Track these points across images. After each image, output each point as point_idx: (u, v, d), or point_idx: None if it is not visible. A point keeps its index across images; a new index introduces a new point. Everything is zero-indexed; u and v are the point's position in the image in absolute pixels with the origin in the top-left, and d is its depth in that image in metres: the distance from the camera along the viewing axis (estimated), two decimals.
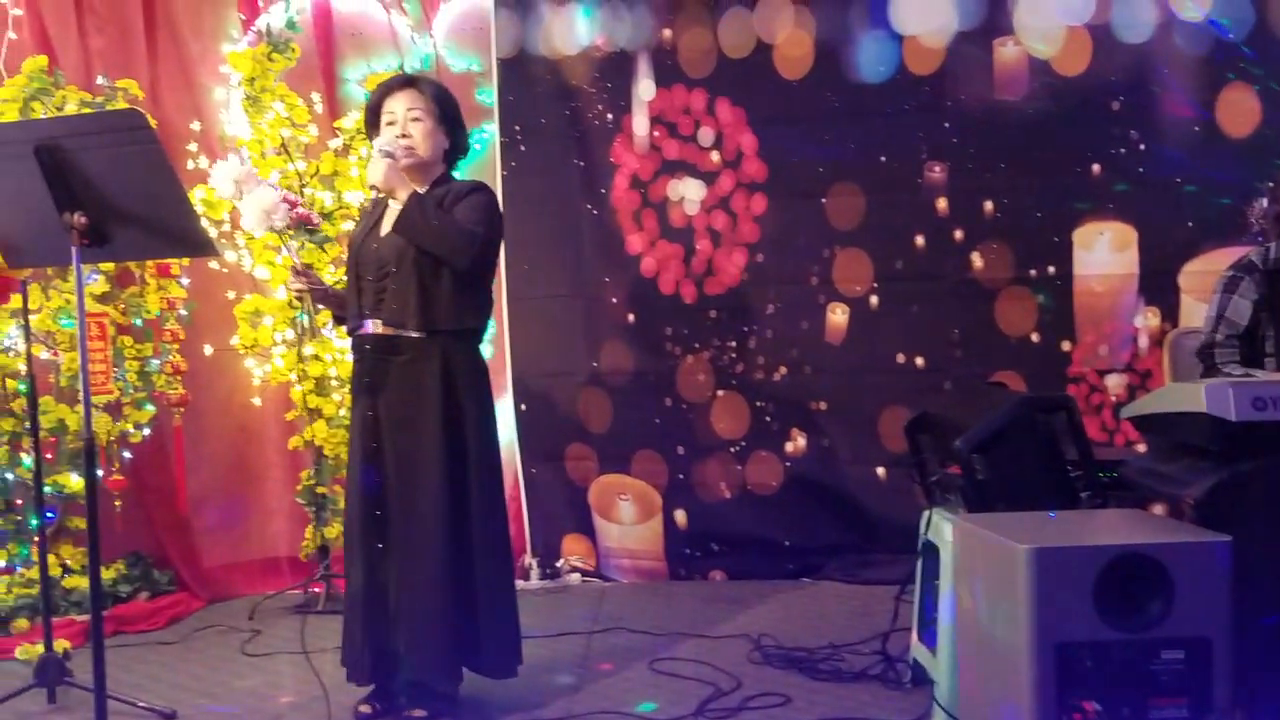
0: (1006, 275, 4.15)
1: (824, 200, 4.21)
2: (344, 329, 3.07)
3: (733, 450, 4.34)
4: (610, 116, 4.33)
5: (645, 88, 4.30)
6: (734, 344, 4.32)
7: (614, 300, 4.39)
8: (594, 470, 4.44)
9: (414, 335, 2.86)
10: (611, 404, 4.39)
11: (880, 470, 4.22)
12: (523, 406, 4.46)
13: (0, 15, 4.35)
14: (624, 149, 4.34)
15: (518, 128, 4.39)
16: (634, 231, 4.36)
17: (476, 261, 2.85)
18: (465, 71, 4.51)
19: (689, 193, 4.32)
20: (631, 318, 4.38)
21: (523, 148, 4.39)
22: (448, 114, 3.00)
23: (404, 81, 3.02)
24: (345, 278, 3.06)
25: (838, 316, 4.24)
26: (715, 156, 4.29)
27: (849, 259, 4.23)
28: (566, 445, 4.44)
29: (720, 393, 4.33)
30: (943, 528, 2.77)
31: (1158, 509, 2.88)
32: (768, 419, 4.31)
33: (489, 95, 4.44)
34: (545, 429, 4.45)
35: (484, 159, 4.43)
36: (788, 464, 4.31)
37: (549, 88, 4.35)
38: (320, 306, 3.19)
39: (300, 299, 3.07)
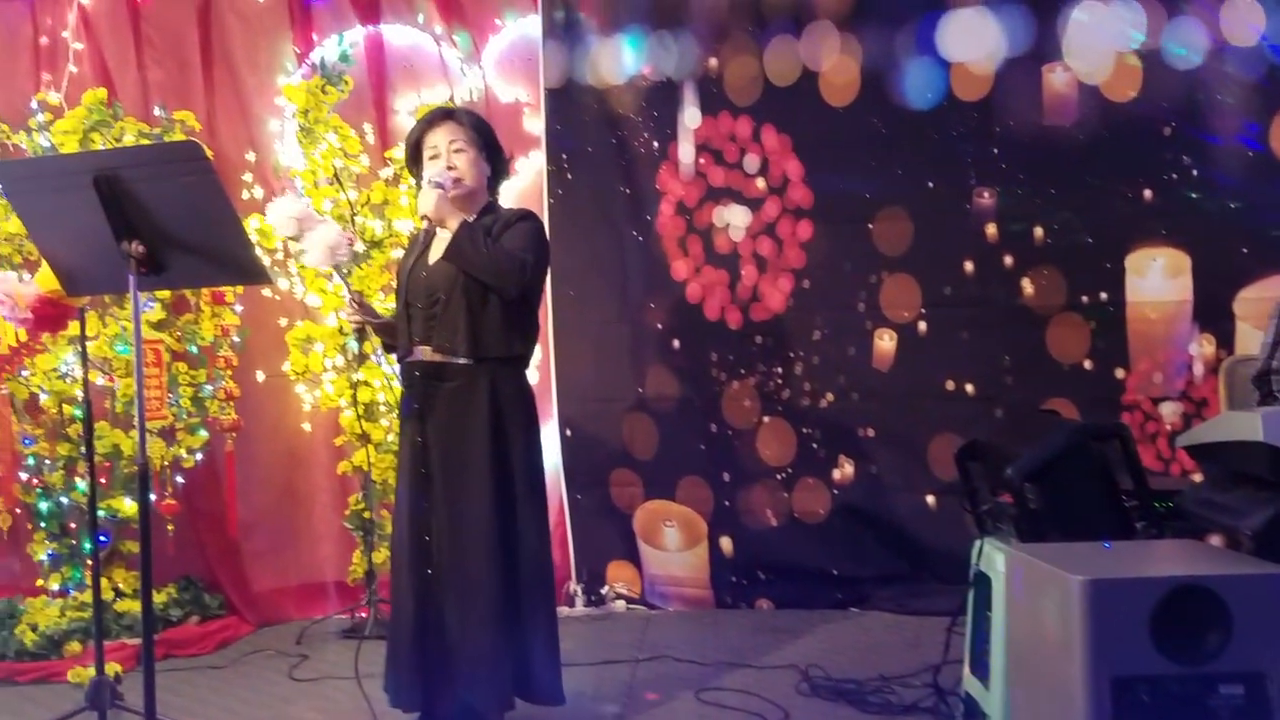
0: (1058, 301, 4.09)
1: (871, 226, 4.18)
2: (393, 356, 3.10)
3: (779, 477, 4.30)
4: (656, 144, 4.34)
5: (691, 115, 4.31)
6: (780, 370, 4.29)
7: (659, 326, 4.38)
8: (639, 496, 4.43)
9: (462, 362, 2.88)
10: (657, 430, 4.38)
11: (930, 498, 4.16)
12: (568, 432, 4.46)
13: (61, 49, 4.48)
14: (669, 176, 4.35)
15: (564, 156, 4.42)
16: (679, 258, 4.36)
17: (525, 288, 2.88)
18: (514, 102, 4.55)
19: (734, 219, 4.31)
20: (676, 343, 4.37)
21: (569, 176, 4.42)
22: (487, 142, 3.04)
23: (443, 115, 3.06)
24: (395, 305, 3.09)
25: (885, 343, 4.20)
26: (761, 183, 4.28)
27: (897, 285, 4.19)
28: (611, 471, 4.44)
29: (766, 419, 4.30)
30: (995, 558, 2.73)
31: (1215, 540, 2.81)
32: (814, 446, 4.27)
33: (537, 124, 4.48)
34: (590, 454, 4.44)
35: (531, 187, 4.47)
36: (835, 492, 4.26)
37: (596, 117, 4.37)
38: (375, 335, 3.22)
39: (359, 331, 3.09)
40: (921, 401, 4.13)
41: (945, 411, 4.10)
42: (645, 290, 4.40)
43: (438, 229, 2.94)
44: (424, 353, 2.93)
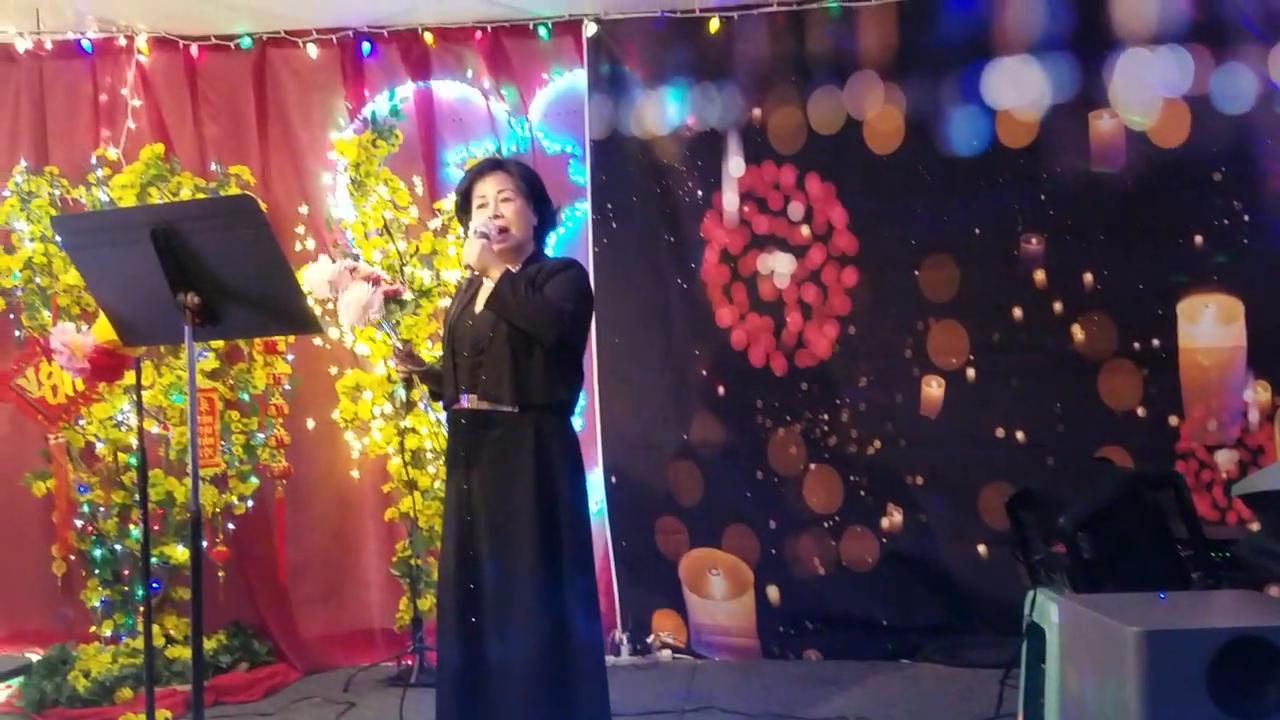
0: (1109, 348, 4.04)
1: (917, 273, 4.16)
2: (440, 404, 3.11)
3: (826, 525, 4.26)
4: (700, 193, 4.36)
5: (735, 165, 4.33)
6: (826, 416, 4.26)
7: (704, 373, 4.38)
8: (685, 544, 4.40)
9: (507, 409, 2.89)
10: (702, 476, 4.36)
11: (981, 548, 4.10)
12: (613, 479, 4.45)
13: (120, 105, 4.60)
14: (714, 224, 4.37)
15: (609, 205, 4.45)
16: (724, 305, 4.37)
17: (565, 337, 2.88)
18: (560, 153, 4.59)
19: (779, 266, 4.31)
20: (722, 390, 4.36)
21: (614, 225, 4.45)
22: (535, 192, 3.06)
23: (492, 165, 3.09)
24: (441, 353, 3.10)
25: (933, 389, 4.17)
26: (805, 230, 4.28)
27: (944, 331, 4.16)
28: (657, 518, 4.41)
29: (812, 466, 4.27)
30: (1048, 609, 2.68)
31: (1274, 590, 2.74)
32: (862, 493, 4.23)
33: (582, 175, 4.51)
34: (635, 501, 4.43)
35: (577, 236, 4.49)
36: (884, 540, 4.21)
37: (640, 167, 4.40)
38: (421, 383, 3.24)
39: (407, 379, 3.11)
40: (971, 449, 4.09)
41: (996, 459, 4.05)
42: (690, 337, 4.39)
43: (485, 279, 2.96)
44: (470, 401, 2.94)
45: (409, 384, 3.14)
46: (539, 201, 3.07)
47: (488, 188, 3.03)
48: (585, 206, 4.50)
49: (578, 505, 2.95)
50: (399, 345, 3.09)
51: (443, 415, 3.26)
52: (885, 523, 4.21)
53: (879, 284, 4.21)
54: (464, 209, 3.10)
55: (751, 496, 4.32)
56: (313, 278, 2.92)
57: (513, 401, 2.88)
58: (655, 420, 4.42)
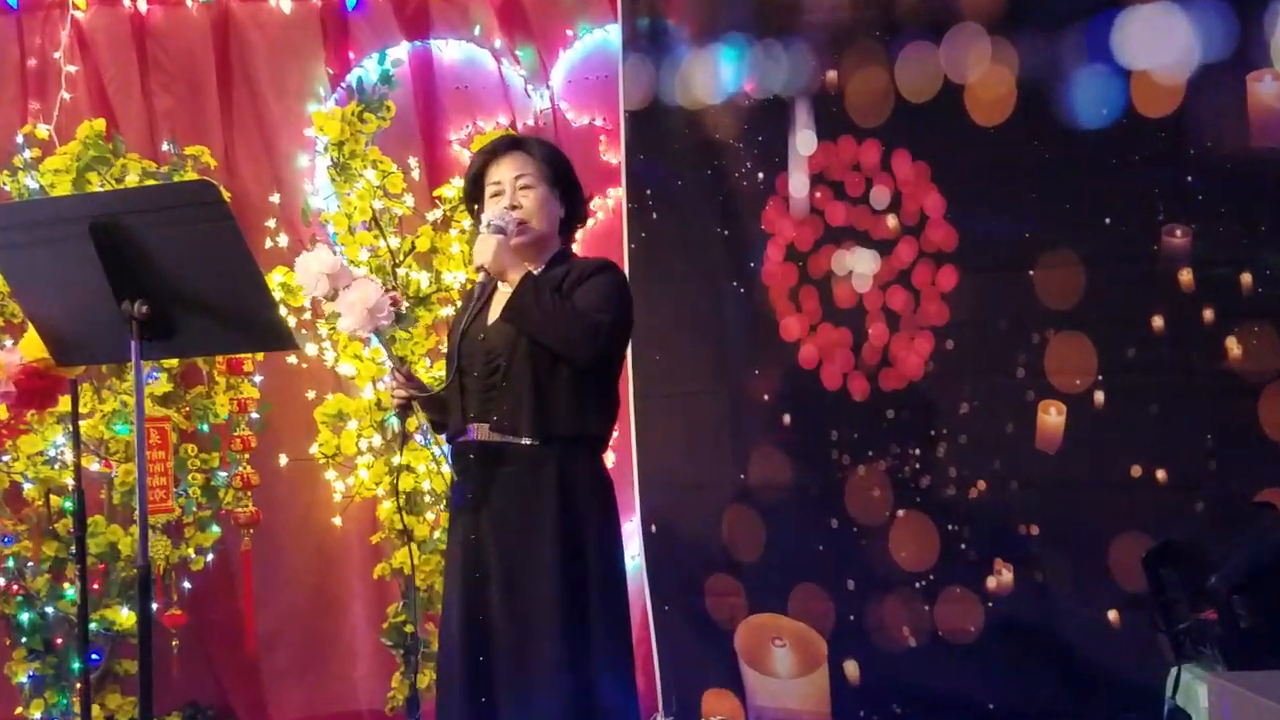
0: (1273, 366, 3.95)
1: (1031, 273, 4.10)
2: (443, 436, 3.13)
3: (918, 585, 4.21)
4: (761, 176, 4.34)
5: (804, 140, 4.30)
6: (917, 451, 4.21)
7: (765, 397, 4.36)
8: (742, 608, 4.39)
9: (526, 443, 2.90)
10: (764, 525, 4.35)
11: (1111, 614, 4.02)
12: (653, 528, 4.43)
13: (52, 72, 4.62)
14: (778, 214, 4.34)
15: (649, 192, 4.45)
16: (790, 313, 4.34)
17: (600, 355, 2.89)
18: (587, 127, 4.62)
19: (859, 265, 4.27)
20: (788, 419, 4.34)
21: (655, 215, 4.44)
22: (562, 178, 3.07)
23: (510, 144, 3.10)
24: (444, 374, 3.13)
25: (1052, 417, 4.10)
26: (892, 221, 4.24)
27: (1065, 346, 4.08)
28: (707, 577, 4.40)
29: (901, 513, 4.23)
30: (1195, 690, 2.61)
31: None
32: (963, 546, 4.17)
33: (616, 154, 4.52)
34: (681, 556, 4.42)
35: (609, 229, 4.53)
36: (990, 604, 4.15)
37: (687, 144, 4.40)
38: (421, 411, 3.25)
39: (402, 406, 3.09)
40: (1099, 491, 4.01)
41: (1130, 504, 3.97)
42: (748, 354, 4.38)
43: (499, 283, 2.96)
44: (480, 431, 2.95)
45: (405, 412, 3.14)
46: (566, 189, 3.09)
47: (504, 172, 3.04)
48: (619, 193, 4.51)
49: (611, 560, 2.98)
50: (395, 364, 3.10)
51: (446, 450, 3.27)
52: (991, 583, 4.15)
53: (984, 287, 4.15)
54: (474, 197, 3.11)
55: (825, 550, 4.29)
56: (306, 269, 2.90)
57: (532, 432, 2.89)
58: (705, 456, 4.41)
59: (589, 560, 2.90)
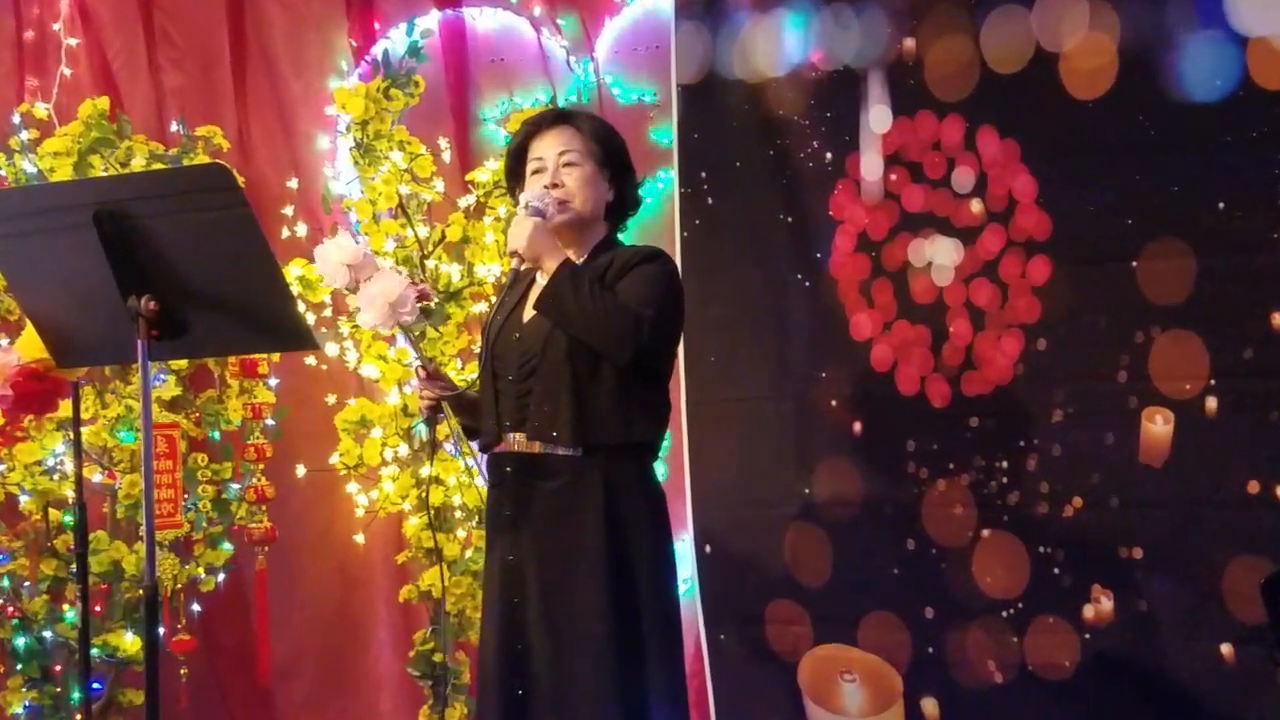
0: None
1: (1134, 264, 4.02)
2: (474, 444, 3.20)
3: (1005, 614, 4.14)
4: (830, 156, 4.30)
5: (878, 116, 4.25)
6: (1005, 464, 4.15)
7: (833, 403, 4.32)
8: (806, 638, 4.35)
9: (566, 452, 2.90)
10: (831, 546, 4.31)
11: (1225, 647, 3.94)
12: (707, 548, 4.41)
13: (51, 46, 4.64)
14: (848, 199, 4.29)
15: (704, 174, 4.43)
16: (862, 309, 4.29)
17: (644, 353, 2.88)
18: (635, 103, 4.60)
19: (939, 256, 4.20)
20: (858, 427, 4.30)
21: (710, 200, 4.43)
22: (612, 157, 3.07)
23: (556, 117, 3.11)
24: (477, 377, 3.10)
25: (1158, 427, 4.02)
26: (976, 206, 4.17)
27: (1173, 346, 4.00)
28: (768, 603, 4.38)
29: (986, 533, 4.16)
30: None
31: None
32: (1056, 571, 4.09)
33: (667, 134, 4.50)
34: (739, 580, 4.40)
35: (660, 217, 4.49)
36: (1087, 635, 4.07)
37: (747, 121, 4.37)
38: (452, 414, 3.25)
39: (431, 410, 3.08)
40: (1211, 510, 3.93)
41: (1247, 525, 3.88)
42: (814, 354, 4.35)
43: (537, 274, 2.95)
44: (516, 441, 2.95)
45: (433, 416, 3.14)
46: (616, 169, 3.09)
47: (547, 147, 3.04)
48: (670, 176, 4.49)
49: (663, 583, 2.99)
50: (424, 363, 3.10)
51: (479, 460, 3.23)
52: (1089, 612, 4.07)
53: (1080, 281, 4.07)
54: (515, 174, 3.13)
55: (900, 574, 4.24)
56: (325, 259, 2.90)
57: (573, 442, 2.89)
58: (766, 468, 4.39)
59: (639, 583, 2.90)
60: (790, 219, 4.34)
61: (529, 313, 2.98)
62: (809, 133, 4.30)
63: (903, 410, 4.22)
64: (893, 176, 4.22)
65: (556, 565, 2.90)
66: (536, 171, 3.03)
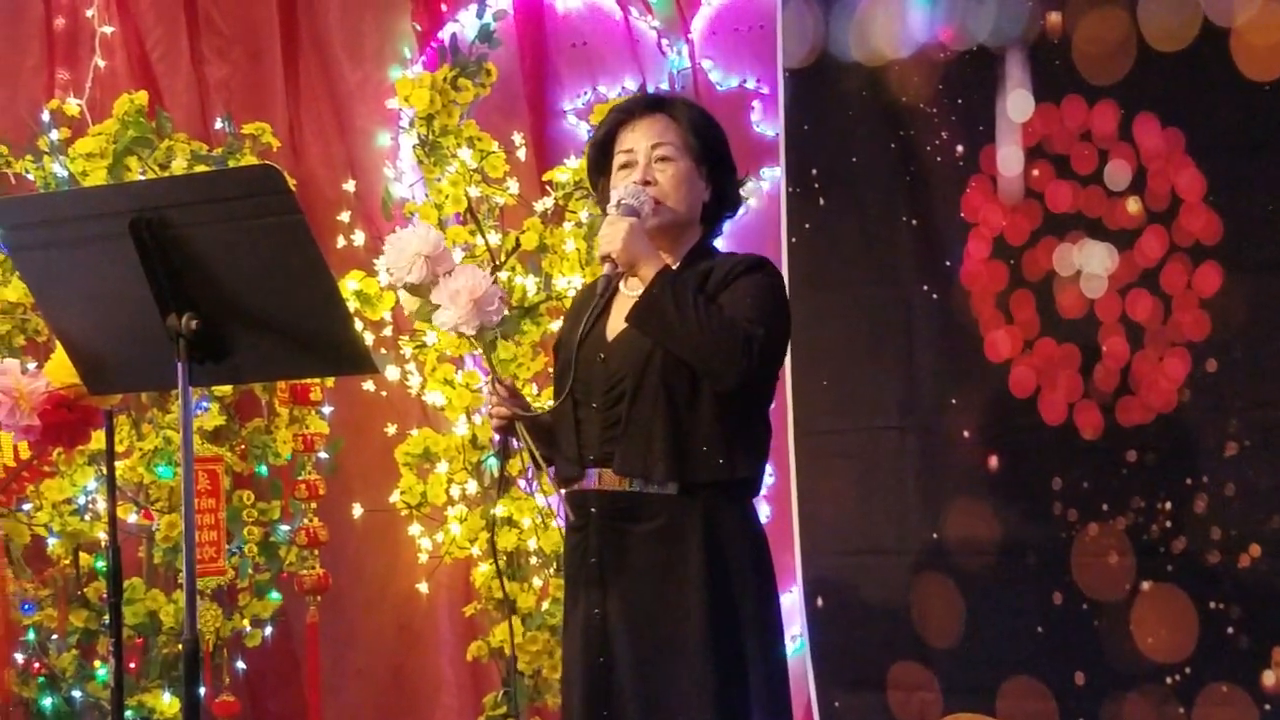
0: None
1: None
2: (547, 476, 3.16)
3: (1169, 680, 4.06)
4: (961, 149, 4.27)
5: (1018, 102, 4.21)
6: (1168, 506, 4.07)
7: (966, 434, 4.29)
8: (935, 707, 4.31)
9: (662, 491, 2.88)
10: (963, 600, 4.27)
11: None
12: (819, 602, 4.39)
13: (84, 35, 4.70)
14: (983, 198, 4.25)
15: (815, 172, 4.42)
16: (998, 326, 4.24)
17: (750, 376, 2.85)
18: (736, 91, 4.59)
19: (1090, 264, 4.15)
20: (995, 461, 4.25)
21: (823, 201, 4.41)
22: (710, 152, 3.06)
23: (649, 104, 3.10)
24: (552, 403, 3.11)
25: None
26: (1133, 205, 4.11)
27: None
28: (890, 665, 4.35)
29: (1146, 585, 4.09)
30: None
31: None
32: (1230, 630, 4.01)
33: (772, 125, 4.50)
34: (856, 638, 4.38)
35: (763, 220, 4.49)
36: (1266, 706, 3.98)
37: (865, 110, 4.36)
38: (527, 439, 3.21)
39: (505, 440, 3.08)
40: None
41: None
42: (943, 377, 4.32)
43: (623, 285, 2.95)
44: (602, 478, 2.94)
45: (505, 443, 3.14)
46: (715, 165, 3.07)
47: (638, 138, 3.02)
48: (776, 174, 4.49)
49: (770, 640, 2.96)
50: (496, 377, 3.08)
51: (556, 499, 3.27)
52: (1269, 678, 3.98)
53: (1257, 290, 4.00)
54: (598, 168, 3.12)
55: (1045, 633, 4.18)
56: (401, 249, 2.89)
57: (667, 476, 2.88)
58: (887, 510, 4.36)
59: (744, 641, 2.88)
60: (915, 222, 4.32)
61: (614, 329, 2.97)
62: (937, 122, 4.27)
63: (1047, 442, 4.16)
64: (1035, 172, 4.17)
65: (651, 624, 2.88)
66: (625, 166, 3.02)
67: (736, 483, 2.93)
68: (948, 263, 4.28)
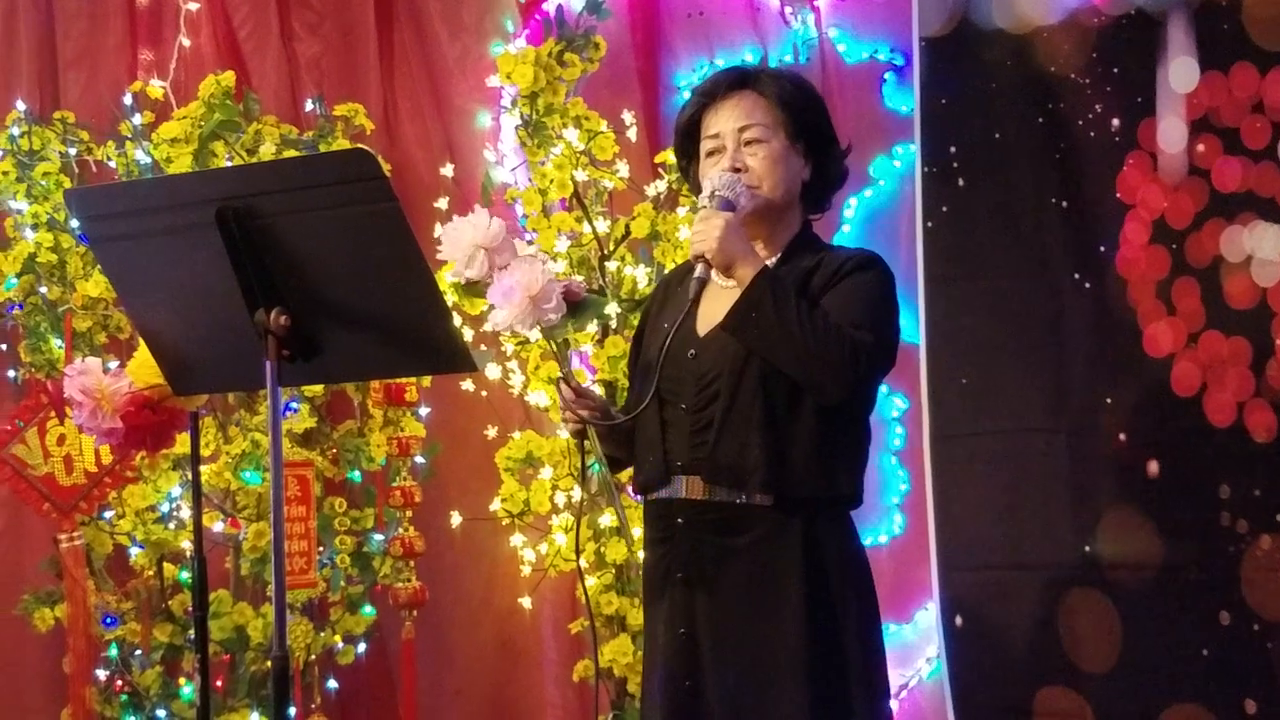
0: None
1: None
2: (626, 480, 3.21)
3: None
4: (1117, 123, 4.20)
5: (1181, 71, 4.12)
6: None
7: (1122, 437, 4.22)
8: None
9: (757, 502, 2.87)
10: (1119, 620, 4.20)
11: None
12: (959, 621, 4.37)
13: (169, 12, 4.78)
14: (1142, 177, 4.18)
15: (953, 149, 4.40)
16: (1159, 317, 4.17)
17: (857, 387, 2.85)
18: (867, 63, 4.58)
19: (1263, 248, 4.05)
20: (1154, 467, 4.18)
21: (962, 182, 4.39)
22: (805, 124, 3.02)
23: (733, 79, 3.06)
24: (629, 403, 3.14)
25: None
26: None
27: None
28: (1036, 690, 4.31)
29: None
30: None
31: None
32: None
33: (907, 99, 4.49)
34: (999, 661, 4.36)
35: (897, 203, 4.48)
36: None
37: (1009, 82, 4.32)
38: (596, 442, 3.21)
39: (580, 440, 3.07)
40: None
41: None
42: (1097, 375, 4.27)
43: (714, 276, 2.89)
44: (690, 486, 2.93)
45: (582, 438, 3.11)
46: (813, 139, 3.03)
47: (723, 120, 3.00)
48: (911, 151, 4.48)
49: (874, 667, 2.94)
50: (565, 376, 3.09)
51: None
52: None
53: None
54: (684, 152, 3.11)
55: (1211, 656, 4.09)
56: (456, 239, 2.88)
57: (766, 489, 2.86)
58: (1035, 520, 4.33)
59: (848, 669, 2.86)
60: (1065, 204, 4.28)
61: (706, 324, 2.93)
62: (1091, 94, 4.22)
63: (1213, 446, 4.08)
64: (1200, 147, 4.09)
65: (744, 648, 2.86)
66: (712, 153, 2.99)
67: (839, 499, 2.92)
68: (1102, 248, 4.23)
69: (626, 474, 3.26)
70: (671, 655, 2.92)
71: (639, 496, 3.08)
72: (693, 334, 2.95)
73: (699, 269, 2.86)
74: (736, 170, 2.94)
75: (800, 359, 2.80)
